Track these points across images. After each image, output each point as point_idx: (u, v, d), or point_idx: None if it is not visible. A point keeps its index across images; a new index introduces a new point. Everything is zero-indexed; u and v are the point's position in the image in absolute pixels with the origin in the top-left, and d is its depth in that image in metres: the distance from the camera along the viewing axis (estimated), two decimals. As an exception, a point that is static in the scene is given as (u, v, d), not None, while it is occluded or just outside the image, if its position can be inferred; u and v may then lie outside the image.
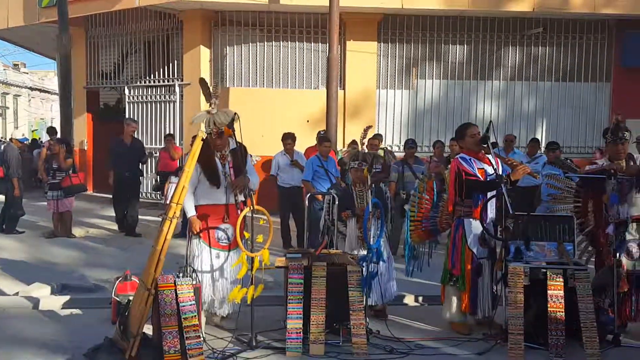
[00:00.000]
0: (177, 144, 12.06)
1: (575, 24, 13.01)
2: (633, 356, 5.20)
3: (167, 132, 12.72)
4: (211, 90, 5.36)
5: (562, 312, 5.13)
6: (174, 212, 4.73)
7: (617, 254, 5.42)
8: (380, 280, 5.71)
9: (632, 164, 5.64)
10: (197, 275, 5.00)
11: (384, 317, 5.83)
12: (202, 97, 13.06)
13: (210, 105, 5.31)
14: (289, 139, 9.29)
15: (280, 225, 9.23)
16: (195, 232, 5.36)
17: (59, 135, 13.15)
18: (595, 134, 13.07)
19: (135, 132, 10.80)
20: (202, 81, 5.53)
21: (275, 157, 9.43)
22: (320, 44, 12.68)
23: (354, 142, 10.32)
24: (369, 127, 8.03)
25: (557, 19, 12.83)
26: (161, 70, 13.50)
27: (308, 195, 7.88)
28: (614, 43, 13.09)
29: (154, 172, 12.25)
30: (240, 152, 5.56)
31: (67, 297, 6.47)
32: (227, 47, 12.86)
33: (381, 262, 5.70)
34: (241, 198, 5.49)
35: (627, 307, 5.55)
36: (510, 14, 12.58)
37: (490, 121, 5.76)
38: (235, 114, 5.34)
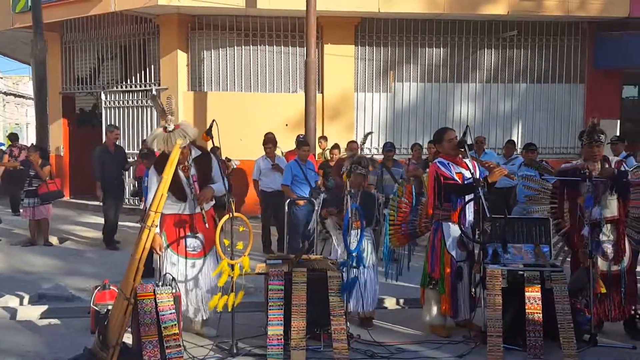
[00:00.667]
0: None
1: (549, 26, 13.18)
2: (609, 356, 5.25)
3: (145, 137, 12.62)
4: (165, 106, 5.13)
5: (539, 313, 5.20)
6: (153, 221, 4.70)
7: (593, 255, 5.50)
8: (362, 287, 5.72)
9: (607, 166, 5.72)
10: (176, 283, 4.97)
11: (370, 327, 5.84)
12: (181, 102, 13.10)
13: (165, 122, 5.09)
14: (269, 142, 9.28)
15: (262, 230, 9.23)
16: (156, 252, 5.18)
17: (23, 141, 12.98)
18: (570, 135, 13.26)
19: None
20: (153, 97, 5.35)
21: (256, 161, 9.42)
22: (298, 47, 12.69)
23: (353, 142, 10.33)
24: (370, 133, 8.04)
25: (532, 21, 13.00)
26: (138, 75, 13.40)
27: (287, 200, 7.90)
28: (587, 45, 13.28)
29: (131, 177, 12.15)
30: (204, 160, 5.43)
31: (44, 307, 6.39)
32: (205, 52, 12.82)
33: (363, 268, 5.72)
34: (207, 207, 5.40)
35: (603, 307, 5.63)
36: (485, 17, 12.71)
37: (467, 126, 5.82)
38: (214, 120, 5.31)
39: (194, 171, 5.37)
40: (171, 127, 5.07)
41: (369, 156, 6.18)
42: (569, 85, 13.43)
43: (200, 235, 5.40)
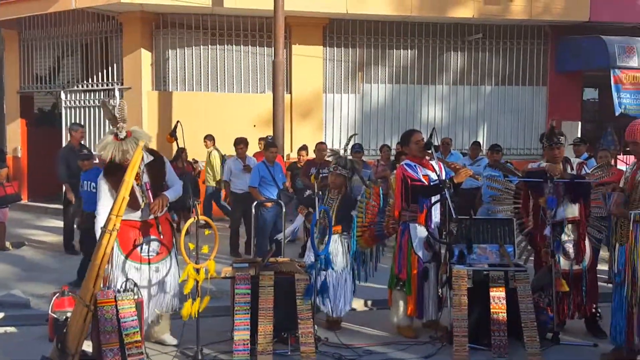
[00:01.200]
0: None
1: (513, 30, 13.38)
2: (572, 353, 5.35)
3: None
4: (116, 112, 4.92)
5: (504, 312, 5.26)
6: (114, 225, 4.59)
7: (555, 254, 5.57)
8: (335, 290, 5.69)
9: (568, 167, 5.82)
10: (138, 289, 4.85)
11: (338, 329, 5.82)
12: (145, 101, 12.91)
13: (117, 130, 4.90)
14: (241, 143, 9.19)
15: (230, 232, 9.14)
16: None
17: None
18: (534, 137, 13.45)
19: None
20: (103, 104, 5.08)
21: (227, 162, 9.31)
22: (265, 47, 12.61)
23: (322, 143, 10.26)
24: (355, 134, 8.00)
25: (496, 25, 13.17)
26: (100, 74, 13.14)
27: (255, 203, 7.83)
28: (549, 48, 13.52)
29: None
30: (157, 165, 5.22)
31: (0, 314, 6.19)
32: (170, 50, 12.65)
33: (331, 271, 5.68)
34: (160, 213, 5.18)
35: (565, 306, 5.71)
36: (452, 20, 12.83)
37: (434, 128, 5.86)
38: (179, 121, 5.21)
39: (146, 178, 5.13)
40: (123, 134, 4.88)
41: (350, 158, 6.14)
42: (532, 88, 13.64)
43: (154, 238, 5.19)
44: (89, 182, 7.46)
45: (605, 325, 5.58)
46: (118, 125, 4.90)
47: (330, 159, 6.08)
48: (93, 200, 7.40)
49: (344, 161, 5.97)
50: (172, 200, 5.25)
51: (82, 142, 9.82)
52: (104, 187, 5.06)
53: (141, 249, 5.12)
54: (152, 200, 5.06)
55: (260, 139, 10.85)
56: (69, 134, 9.90)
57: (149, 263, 5.15)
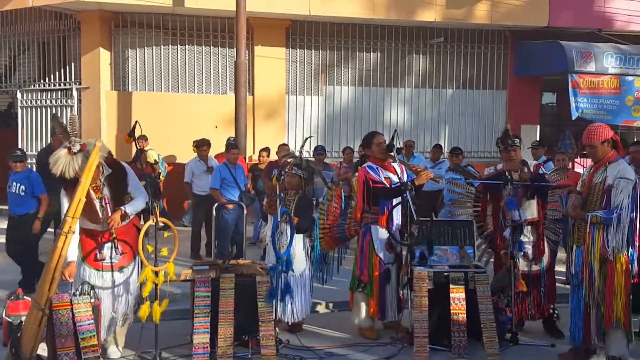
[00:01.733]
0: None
1: (474, 34, 13.56)
2: (530, 353, 5.42)
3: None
4: (68, 127, 4.78)
5: (463, 313, 5.31)
6: (70, 227, 4.49)
7: (514, 256, 5.65)
8: (294, 294, 5.67)
9: (526, 169, 5.91)
10: (95, 292, 4.75)
11: (299, 331, 5.79)
12: (103, 101, 12.65)
13: (70, 143, 4.73)
14: (204, 145, 9.10)
15: (191, 234, 9.04)
16: (64, 279, 4.71)
17: None
18: (494, 140, 13.53)
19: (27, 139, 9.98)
20: (54, 118, 5.02)
21: (188, 163, 9.21)
22: (227, 48, 12.52)
23: (284, 145, 10.23)
24: (310, 137, 7.97)
25: (458, 29, 13.32)
26: (57, 73, 12.84)
27: (216, 205, 7.75)
28: (509, 53, 13.73)
29: None
30: (118, 177, 5.07)
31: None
32: (129, 50, 12.45)
33: (292, 274, 5.65)
34: (125, 222, 5.06)
35: (524, 306, 5.80)
36: (414, 24, 12.92)
37: (395, 130, 5.90)
38: (137, 121, 5.12)
39: (107, 191, 5.00)
40: (76, 148, 4.72)
41: (308, 159, 6.13)
42: (492, 92, 13.84)
43: (117, 245, 5.05)
44: (17, 184, 7.19)
45: (563, 325, 5.69)
46: (70, 139, 4.74)
47: (287, 160, 6.04)
48: (19, 202, 7.25)
49: (299, 161, 5.95)
50: (132, 214, 5.11)
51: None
52: (64, 201, 4.91)
53: (103, 256, 5.00)
54: (109, 215, 4.94)
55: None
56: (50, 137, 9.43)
57: (112, 270, 5.04)
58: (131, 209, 5.06)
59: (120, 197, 5.05)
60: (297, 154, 6.09)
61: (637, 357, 5.11)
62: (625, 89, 12.81)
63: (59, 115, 12.73)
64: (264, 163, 10.05)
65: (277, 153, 9.73)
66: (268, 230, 5.88)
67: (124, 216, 4.98)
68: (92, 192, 4.87)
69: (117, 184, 5.04)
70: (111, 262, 5.02)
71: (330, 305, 6.84)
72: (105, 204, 4.94)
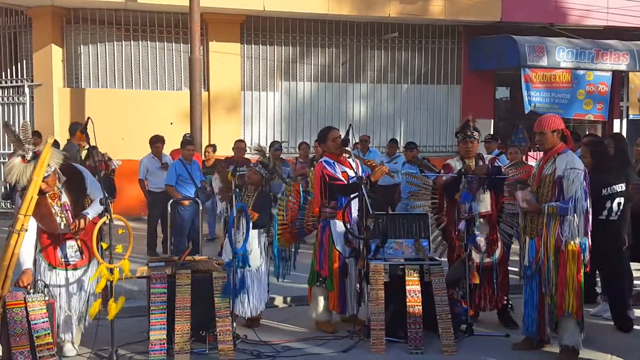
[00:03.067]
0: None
1: (428, 29, 13.72)
2: (485, 344, 5.54)
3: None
4: (20, 134, 4.71)
5: (419, 306, 5.40)
6: (22, 224, 4.41)
7: (468, 248, 5.77)
8: (250, 289, 5.67)
9: (481, 163, 6.02)
10: (49, 290, 4.68)
11: (257, 326, 5.79)
12: (56, 98, 12.39)
13: (23, 151, 4.63)
14: (158, 142, 9.01)
15: (147, 231, 8.95)
16: (21, 285, 4.60)
17: None
18: (448, 134, 13.85)
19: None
20: (6, 126, 4.83)
21: (142, 160, 9.09)
22: (182, 44, 12.40)
23: (241, 141, 10.13)
24: (351, 125, 7.79)
25: (412, 24, 13.47)
26: (9, 70, 12.53)
27: (171, 201, 7.70)
28: (462, 48, 13.95)
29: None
30: (75, 182, 5.03)
31: None
32: (82, 46, 12.21)
33: (249, 269, 5.66)
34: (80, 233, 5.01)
35: (477, 298, 5.92)
36: (368, 19, 13.03)
37: (350, 125, 5.95)
38: (89, 117, 5.05)
39: (65, 198, 4.95)
40: (30, 155, 4.62)
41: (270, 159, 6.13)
42: (446, 87, 14.04)
43: (75, 244, 5.03)
44: None
45: (517, 316, 5.83)
46: (24, 147, 4.65)
47: (254, 156, 6.05)
48: None
49: (266, 161, 5.96)
50: (93, 217, 5.06)
51: None
52: (18, 200, 4.81)
53: (64, 253, 4.98)
54: (71, 221, 4.90)
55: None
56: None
57: (74, 269, 5.02)
58: (93, 212, 5.04)
59: (80, 201, 5.02)
60: (267, 154, 6.11)
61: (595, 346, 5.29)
62: (577, 83, 13.17)
63: (11, 114, 12.47)
64: (209, 159, 10.01)
65: (233, 149, 9.70)
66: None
67: (84, 222, 4.94)
68: (49, 199, 4.82)
69: (75, 189, 5.01)
70: (68, 262, 4.99)
71: (288, 300, 6.86)
72: (66, 210, 4.90)
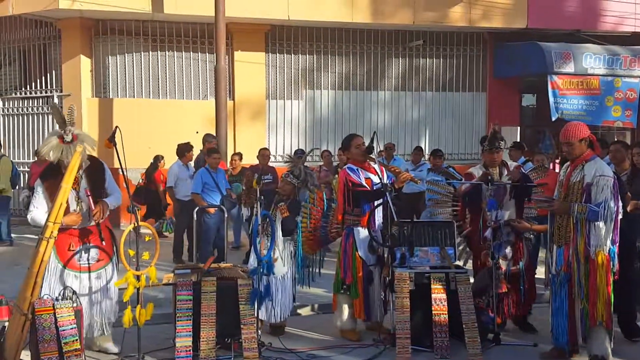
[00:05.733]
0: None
1: (453, 36, 13.67)
2: (512, 353, 5.46)
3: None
4: (66, 116, 4.88)
5: (445, 314, 5.35)
6: (51, 232, 4.49)
7: (495, 256, 5.71)
8: (275, 296, 5.68)
9: (505, 170, 5.98)
10: (77, 297, 4.75)
11: (281, 334, 5.79)
12: (84, 108, 12.62)
13: (64, 133, 4.82)
14: (189, 150, 9.17)
15: (174, 239, 9.03)
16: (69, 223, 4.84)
17: None
18: (474, 142, 13.76)
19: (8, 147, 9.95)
20: (53, 106, 5.12)
21: (171, 168, 9.21)
22: (207, 54, 12.52)
23: (265, 149, 10.20)
24: (375, 132, 7.77)
25: (437, 31, 13.43)
26: (38, 80, 12.80)
27: (197, 209, 7.76)
28: (488, 55, 13.87)
29: (24, 187, 11.65)
30: (96, 171, 5.12)
31: None
32: (110, 57, 12.41)
33: (273, 277, 5.67)
34: (101, 220, 5.07)
35: (505, 306, 5.85)
36: (392, 27, 13.02)
37: (375, 132, 5.93)
38: (117, 126, 5.12)
39: (85, 184, 5.01)
40: (69, 137, 4.79)
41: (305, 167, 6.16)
42: (472, 94, 13.96)
43: (93, 246, 5.07)
44: None
45: (536, 321, 5.73)
46: (66, 129, 4.81)
47: (287, 165, 6.08)
48: None
49: (297, 171, 5.96)
50: (112, 208, 5.15)
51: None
52: (39, 190, 4.97)
53: (80, 256, 5.01)
54: (93, 207, 4.95)
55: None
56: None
57: (89, 271, 5.05)
58: (112, 201, 5.13)
59: (99, 191, 5.08)
60: (300, 163, 6.12)
61: (618, 356, 5.18)
62: (605, 90, 12.96)
63: (41, 123, 12.71)
64: (236, 168, 10.07)
65: (257, 157, 9.76)
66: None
67: (107, 208, 5.02)
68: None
69: (95, 177, 5.09)
70: (88, 263, 5.04)
71: (315, 307, 6.86)
72: (87, 196, 4.95)
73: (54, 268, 4.93)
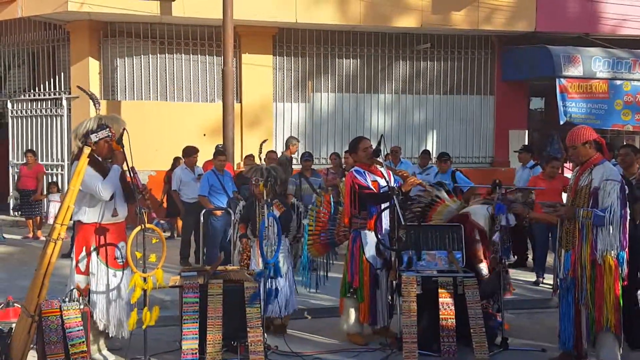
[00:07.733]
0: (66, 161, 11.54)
1: (460, 39, 13.65)
2: (520, 358, 5.43)
3: (54, 147, 12.33)
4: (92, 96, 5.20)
5: (452, 318, 5.31)
6: (59, 234, 4.49)
7: (504, 260, 5.68)
8: (279, 293, 5.67)
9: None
10: (83, 298, 4.74)
11: (284, 333, 5.79)
12: (93, 110, 12.63)
13: (97, 111, 5.11)
14: (196, 153, 9.15)
15: (181, 241, 9.03)
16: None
17: None
18: (482, 145, 13.74)
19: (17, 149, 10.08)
20: (79, 87, 5.58)
21: (175, 172, 9.22)
22: (215, 56, 12.56)
23: (250, 156, 10.29)
24: (265, 140, 8.02)
25: (444, 35, 13.41)
26: (47, 83, 12.87)
27: (204, 211, 7.76)
28: (495, 58, 13.82)
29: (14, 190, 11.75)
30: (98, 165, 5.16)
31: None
32: (118, 59, 12.46)
33: (279, 277, 5.67)
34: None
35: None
36: (399, 30, 13.01)
37: (382, 135, 5.91)
38: (125, 128, 5.14)
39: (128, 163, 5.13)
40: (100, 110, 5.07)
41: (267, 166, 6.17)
42: (479, 97, 13.92)
43: (125, 246, 5.09)
44: None
45: (550, 330, 5.69)
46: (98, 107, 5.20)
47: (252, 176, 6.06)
48: None
49: (259, 172, 5.95)
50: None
51: None
52: (92, 173, 4.94)
53: (116, 253, 5.07)
54: (139, 183, 5.06)
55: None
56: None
57: (107, 266, 5.08)
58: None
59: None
60: (256, 166, 6.15)
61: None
62: (614, 93, 12.88)
63: (49, 126, 12.76)
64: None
65: (265, 160, 9.75)
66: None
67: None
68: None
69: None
70: (122, 261, 5.10)
71: (320, 311, 6.83)
72: (134, 174, 5.02)
73: (98, 268, 5.00)
